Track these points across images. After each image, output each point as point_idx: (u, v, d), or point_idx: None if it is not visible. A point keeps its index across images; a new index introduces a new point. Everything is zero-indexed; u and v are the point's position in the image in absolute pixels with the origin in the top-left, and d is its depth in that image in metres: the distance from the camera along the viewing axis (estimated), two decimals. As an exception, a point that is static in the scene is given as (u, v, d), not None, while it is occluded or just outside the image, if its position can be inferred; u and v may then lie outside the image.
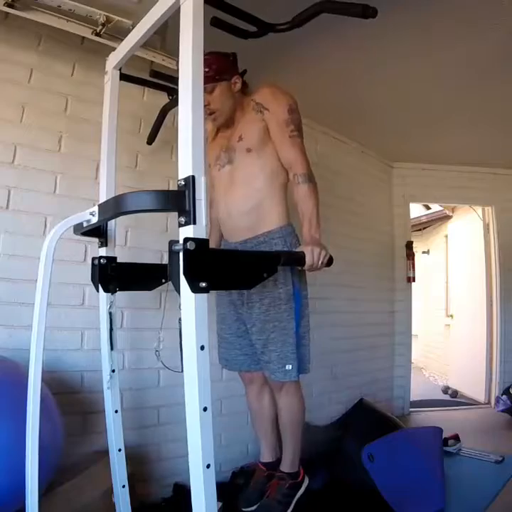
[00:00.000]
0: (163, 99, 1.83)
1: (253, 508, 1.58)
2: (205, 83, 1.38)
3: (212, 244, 1.62)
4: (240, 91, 1.51)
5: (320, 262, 1.27)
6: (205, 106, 1.37)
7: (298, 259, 1.25)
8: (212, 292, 1.69)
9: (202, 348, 0.80)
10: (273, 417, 1.65)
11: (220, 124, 1.51)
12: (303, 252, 1.26)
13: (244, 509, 1.59)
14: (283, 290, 1.40)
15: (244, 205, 1.43)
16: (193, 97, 0.85)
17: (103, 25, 1.59)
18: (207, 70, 1.36)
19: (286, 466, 1.59)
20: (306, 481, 1.63)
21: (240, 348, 1.59)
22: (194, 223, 0.81)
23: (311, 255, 1.25)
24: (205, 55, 1.21)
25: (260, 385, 1.65)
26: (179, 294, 0.83)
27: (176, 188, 0.84)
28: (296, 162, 1.37)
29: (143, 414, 1.92)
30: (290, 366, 1.39)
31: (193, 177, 0.81)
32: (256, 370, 1.60)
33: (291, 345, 1.40)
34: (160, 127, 1.88)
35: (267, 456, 1.69)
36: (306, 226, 1.34)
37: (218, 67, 1.42)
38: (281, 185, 1.46)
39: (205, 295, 0.82)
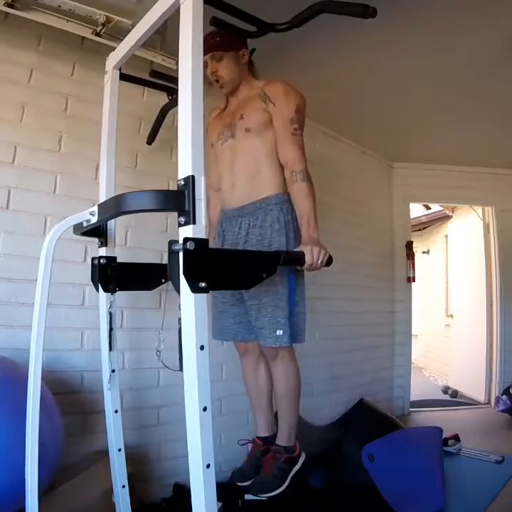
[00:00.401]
0: (163, 99, 1.83)
1: (248, 482, 1.55)
2: (214, 51, 1.45)
3: (213, 218, 1.65)
4: (247, 67, 1.56)
5: (319, 262, 1.28)
6: (212, 73, 1.51)
7: (297, 258, 1.25)
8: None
9: (201, 347, 0.79)
10: (269, 390, 1.63)
11: (226, 92, 1.56)
12: (302, 252, 1.26)
13: (239, 484, 1.56)
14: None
15: (246, 172, 1.49)
16: (192, 96, 0.85)
17: (103, 25, 1.59)
18: (217, 38, 1.44)
19: (282, 440, 1.54)
20: (303, 457, 1.57)
21: (234, 316, 1.56)
22: (194, 223, 0.81)
23: (311, 255, 1.26)
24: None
25: (256, 356, 1.62)
26: (179, 294, 0.83)
27: (175, 188, 0.84)
28: (295, 160, 1.40)
29: (143, 414, 1.92)
30: (281, 332, 1.38)
31: (193, 177, 0.81)
32: (251, 340, 1.56)
33: (283, 311, 1.39)
34: (160, 127, 1.89)
35: (262, 431, 1.65)
36: (305, 226, 1.36)
37: (227, 37, 1.47)
38: (278, 162, 1.47)
39: (204, 295, 0.82)
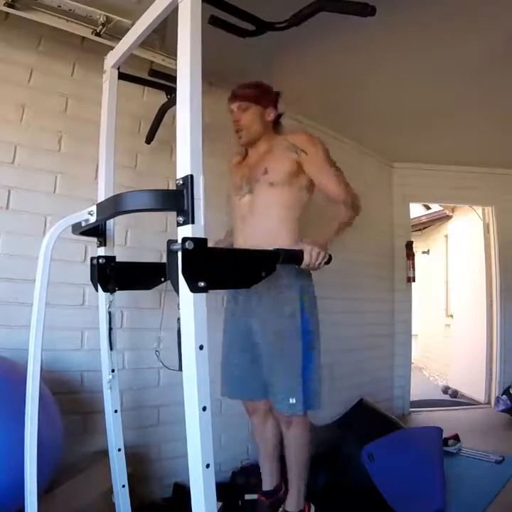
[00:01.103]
0: (162, 98, 1.83)
1: None
2: (241, 101, 1.49)
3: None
4: (272, 126, 1.57)
5: (317, 263, 1.27)
6: (234, 121, 1.53)
7: (296, 257, 1.25)
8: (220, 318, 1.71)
9: (201, 347, 0.79)
10: (277, 443, 1.62)
11: (243, 143, 1.56)
12: (302, 251, 1.26)
13: None
14: (294, 322, 1.41)
15: (260, 233, 1.48)
16: (191, 96, 0.84)
17: (103, 25, 1.59)
18: (249, 89, 1.52)
19: (291, 505, 1.54)
20: (313, 509, 1.59)
21: (246, 373, 1.54)
22: (192, 222, 0.81)
23: (309, 255, 1.25)
24: (254, 81, 1.44)
25: (263, 414, 1.61)
26: (178, 293, 0.83)
27: (174, 188, 0.84)
28: (343, 193, 1.45)
29: (143, 414, 1.92)
30: (294, 400, 1.35)
31: (192, 176, 0.81)
32: (258, 399, 1.56)
33: (298, 377, 1.37)
34: (158, 126, 1.88)
35: (267, 485, 1.65)
36: (323, 233, 1.37)
37: (260, 92, 1.54)
38: (295, 218, 1.51)
39: (203, 295, 0.82)
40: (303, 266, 1.26)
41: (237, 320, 1.57)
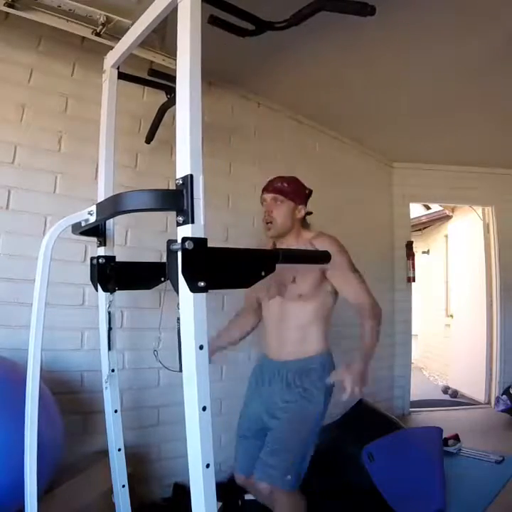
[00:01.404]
0: (162, 98, 1.83)
1: None
2: (278, 194, 1.58)
3: (229, 338, 1.77)
4: (300, 222, 1.63)
5: (355, 393, 1.34)
6: (267, 211, 1.58)
7: (296, 256, 1.25)
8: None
9: (201, 347, 0.79)
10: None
11: (272, 235, 1.61)
12: (302, 250, 1.26)
13: None
14: (314, 410, 1.51)
15: (293, 335, 1.57)
16: (190, 95, 0.84)
17: (103, 25, 1.59)
18: (286, 185, 1.58)
19: None
20: None
21: (254, 449, 1.55)
22: (192, 222, 0.80)
23: (351, 385, 1.33)
24: (290, 177, 1.62)
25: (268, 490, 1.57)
26: (178, 293, 0.83)
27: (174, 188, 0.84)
28: (367, 303, 1.51)
29: (143, 414, 1.92)
30: (289, 477, 1.43)
31: (191, 176, 0.81)
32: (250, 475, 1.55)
33: (299, 458, 1.46)
34: (158, 126, 1.89)
35: None
36: (362, 357, 1.43)
37: (294, 188, 1.60)
38: (325, 317, 1.60)
39: (203, 295, 0.81)
40: (343, 398, 1.35)
41: (256, 395, 1.65)
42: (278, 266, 1.56)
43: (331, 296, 1.60)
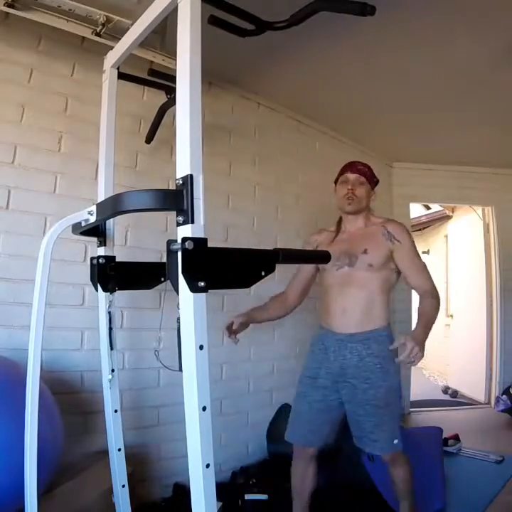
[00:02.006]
0: (162, 98, 1.83)
1: None
2: (362, 175, 1.72)
3: (259, 309, 1.82)
4: (369, 206, 1.78)
5: (412, 360, 1.40)
6: (351, 189, 1.70)
7: (297, 256, 1.26)
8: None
9: (201, 347, 0.79)
10: (312, 490, 1.71)
11: (351, 210, 1.72)
12: (301, 250, 1.27)
13: None
14: (395, 380, 1.61)
15: (360, 304, 1.64)
16: (190, 95, 0.84)
17: (103, 25, 1.59)
18: (366, 169, 1.74)
19: None
20: None
21: (321, 423, 1.65)
22: (192, 222, 0.80)
23: (410, 352, 1.39)
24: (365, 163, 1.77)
25: (309, 459, 1.68)
26: (178, 293, 0.83)
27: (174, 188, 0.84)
28: (427, 284, 1.64)
29: (143, 414, 1.92)
30: (397, 440, 1.56)
31: (191, 176, 0.81)
32: (314, 446, 1.67)
33: (398, 422, 1.63)
34: (158, 126, 1.88)
35: None
36: (420, 326, 1.53)
37: (372, 174, 1.76)
38: (388, 291, 1.70)
39: (203, 295, 0.81)
40: (399, 361, 1.41)
41: (321, 368, 1.68)
42: (349, 238, 1.72)
43: (394, 275, 1.70)
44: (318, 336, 1.75)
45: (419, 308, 1.61)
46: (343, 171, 1.77)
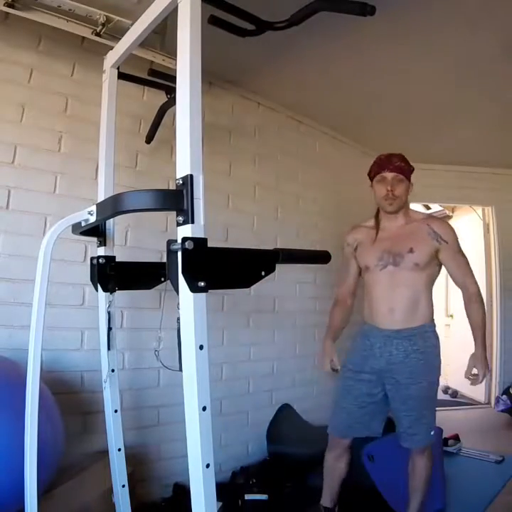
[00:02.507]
0: (162, 98, 1.83)
1: None
2: (400, 173, 1.68)
3: (336, 327, 1.87)
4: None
5: (479, 381, 1.63)
6: (390, 190, 1.67)
7: (297, 256, 1.26)
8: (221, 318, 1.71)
9: (201, 347, 0.79)
10: (343, 477, 1.77)
11: (392, 210, 1.71)
12: (301, 250, 1.28)
13: None
14: (436, 375, 1.69)
15: (406, 301, 1.66)
16: (190, 95, 0.84)
17: (103, 25, 1.59)
18: (404, 164, 1.69)
19: None
20: None
21: (361, 415, 1.70)
22: (192, 222, 0.80)
23: (483, 372, 1.61)
24: (400, 154, 1.73)
25: (344, 449, 1.75)
26: (178, 293, 0.83)
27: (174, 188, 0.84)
28: (471, 285, 1.68)
29: (143, 414, 1.92)
30: (433, 432, 1.64)
31: (191, 176, 0.81)
32: (352, 437, 1.74)
33: (434, 414, 1.67)
34: (158, 126, 1.89)
35: (328, 502, 1.78)
36: (479, 342, 1.65)
37: (409, 168, 1.72)
38: (431, 289, 1.72)
39: (203, 295, 0.81)
40: (476, 379, 1.65)
41: (367, 364, 1.71)
42: (391, 236, 1.71)
43: (438, 269, 1.72)
44: (363, 331, 1.76)
45: (469, 318, 1.68)
46: (380, 168, 1.70)
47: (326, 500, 1.78)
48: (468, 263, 1.71)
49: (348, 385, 1.73)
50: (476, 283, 1.69)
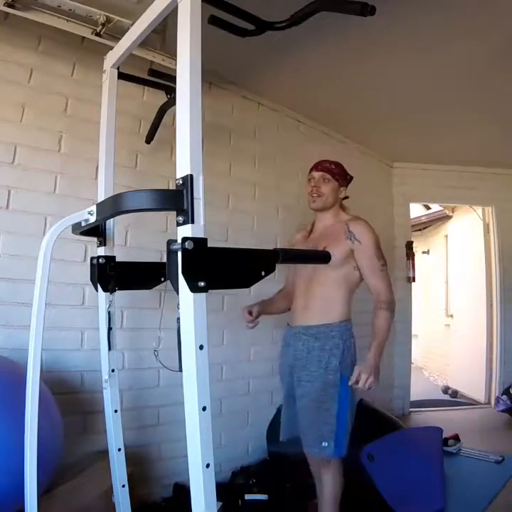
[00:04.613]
0: (162, 98, 1.83)
1: None
2: (326, 173, 1.73)
3: (270, 310, 1.85)
4: (340, 202, 1.79)
5: (363, 386, 1.48)
6: (315, 186, 1.73)
7: (297, 256, 1.26)
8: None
9: (201, 347, 0.79)
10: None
11: (315, 207, 1.76)
12: (301, 250, 1.27)
13: None
14: (334, 377, 1.59)
15: (318, 300, 1.67)
16: (190, 95, 0.84)
17: (103, 25, 1.59)
18: (333, 166, 1.75)
19: None
20: None
21: (291, 415, 1.68)
22: (192, 222, 0.80)
23: (363, 382, 1.47)
24: (336, 161, 1.78)
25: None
26: (178, 293, 0.83)
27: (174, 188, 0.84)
28: (383, 292, 1.62)
29: (143, 414, 1.92)
30: (326, 443, 1.52)
31: (191, 176, 0.81)
32: (292, 436, 1.69)
33: (331, 425, 1.54)
34: (158, 126, 1.89)
35: None
36: (372, 350, 1.57)
37: (340, 171, 1.76)
38: (348, 289, 1.69)
39: (203, 295, 0.81)
40: (350, 383, 1.51)
41: (284, 363, 1.75)
42: (317, 236, 1.73)
43: (356, 273, 1.68)
44: (284, 331, 1.81)
45: (373, 324, 1.62)
46: (310, 169, 1.80)
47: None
48: (382, 268, 1.64)
49: (282, 386, 1.78)
50: (389, 290, 1.63)
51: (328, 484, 1.58)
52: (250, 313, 1.72)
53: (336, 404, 1.56)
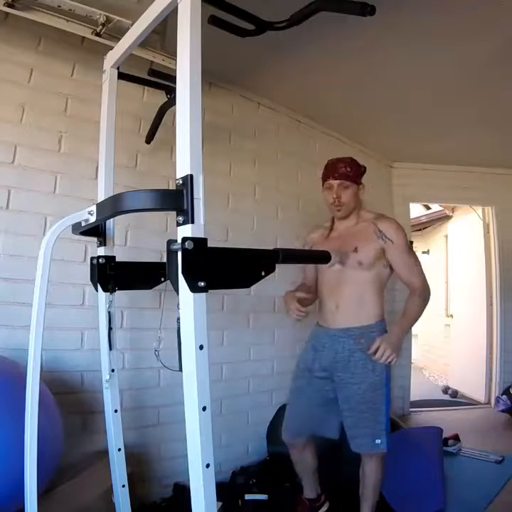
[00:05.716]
0: (163, 98, 1.83)
1: None
2: (344, 180, 1.69)
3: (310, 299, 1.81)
4: (360, 201, 1.78)
5: (383, 359, 1.54)
6: (336, 197, 1.69)
7: (297, 256, 1.26)
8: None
9: (201, 347, 0.79)
10: (314, 466, 1.81)
11: (340, 217, 1.75)
12: (301, 250, 1.27)
13: None
14: (380, 377, 1.63)
15: (352, 299, 1.68)
16: (191, 95, 0.84)
17: (103, 25, 1.59)
18: (349, 169, 1.70)
19: None
20: None
21: (314, 414, 1.71)
22: (192, 222, 0.80)
23: (381, 354, 1.54)
24: (347, 158, 1.73)
25: (303, 445, 1.77)
26: (178, 293, 0.83)
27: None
28: (422, 287, 1.67)
29: (143, 414, 1.92)
30: (379, 441, 1.58)
31: (191, 176, 0.81)
32: (304, 437, 1.75)
33: (382, 424, 1.61)
34: (158, 126, 1.89)
35: (309, 493, 1.83)
36: (399, 325, 1.64)
37: (356, 171, 1.72)
38: (380, 288, 1.72)
39: (203, 294, 0.81)
40: (372, 356, 1.56)
41: (314, 363, 1.74)
42: (341, 236, 1.74)
43: (387, 270, 1.71)
44: (313, 331, 1.80)
45: (405, 308, 1.67)
46: (326, 176, 1.74)
47: (307, 491, 1.83)
48: (416, 263, 1.69)
49: (300, 384, 1.76)
50: (424, 281, 1.68)
51: (376, 472, 1.64)
52: (299, 302, 1.67)
53: (385, 404, 1.63)
